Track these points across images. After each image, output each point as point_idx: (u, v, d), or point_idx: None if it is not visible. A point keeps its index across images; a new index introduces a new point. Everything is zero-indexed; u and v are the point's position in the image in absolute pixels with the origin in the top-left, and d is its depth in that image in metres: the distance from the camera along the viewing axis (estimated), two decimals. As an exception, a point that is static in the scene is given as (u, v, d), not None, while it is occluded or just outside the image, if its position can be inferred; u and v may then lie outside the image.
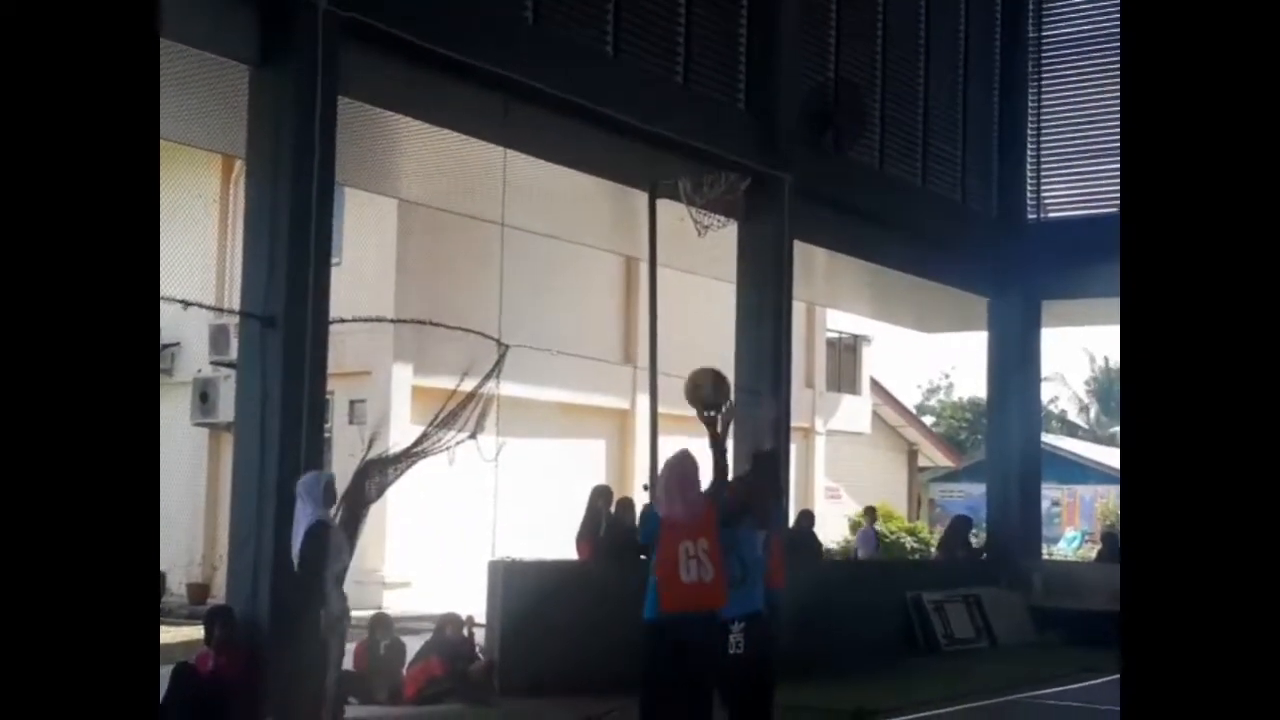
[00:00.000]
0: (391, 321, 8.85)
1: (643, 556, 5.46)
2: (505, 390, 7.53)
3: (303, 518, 5.39)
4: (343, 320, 6.61)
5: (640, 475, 11.32)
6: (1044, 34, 14.50)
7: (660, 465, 5.28)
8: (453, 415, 6.79)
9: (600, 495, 8.11)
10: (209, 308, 7.03)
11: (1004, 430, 13.57)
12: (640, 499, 8.44)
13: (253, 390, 6.06)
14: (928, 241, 11.87)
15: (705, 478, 4.57)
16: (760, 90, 9.46)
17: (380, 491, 6.47)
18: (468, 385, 6.82)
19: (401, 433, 11.87)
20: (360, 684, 6.62)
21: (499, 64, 7.09)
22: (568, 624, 7.16)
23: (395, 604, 10.23)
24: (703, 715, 4.48)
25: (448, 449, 6.80)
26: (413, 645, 7.08)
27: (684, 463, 4.66)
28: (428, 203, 10.55)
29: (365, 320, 7.78)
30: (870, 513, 15.38)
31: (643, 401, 12.18)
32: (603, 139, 8.13)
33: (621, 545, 7.68)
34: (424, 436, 6.64)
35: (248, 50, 6.23)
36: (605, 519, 7.81)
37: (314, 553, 5.28)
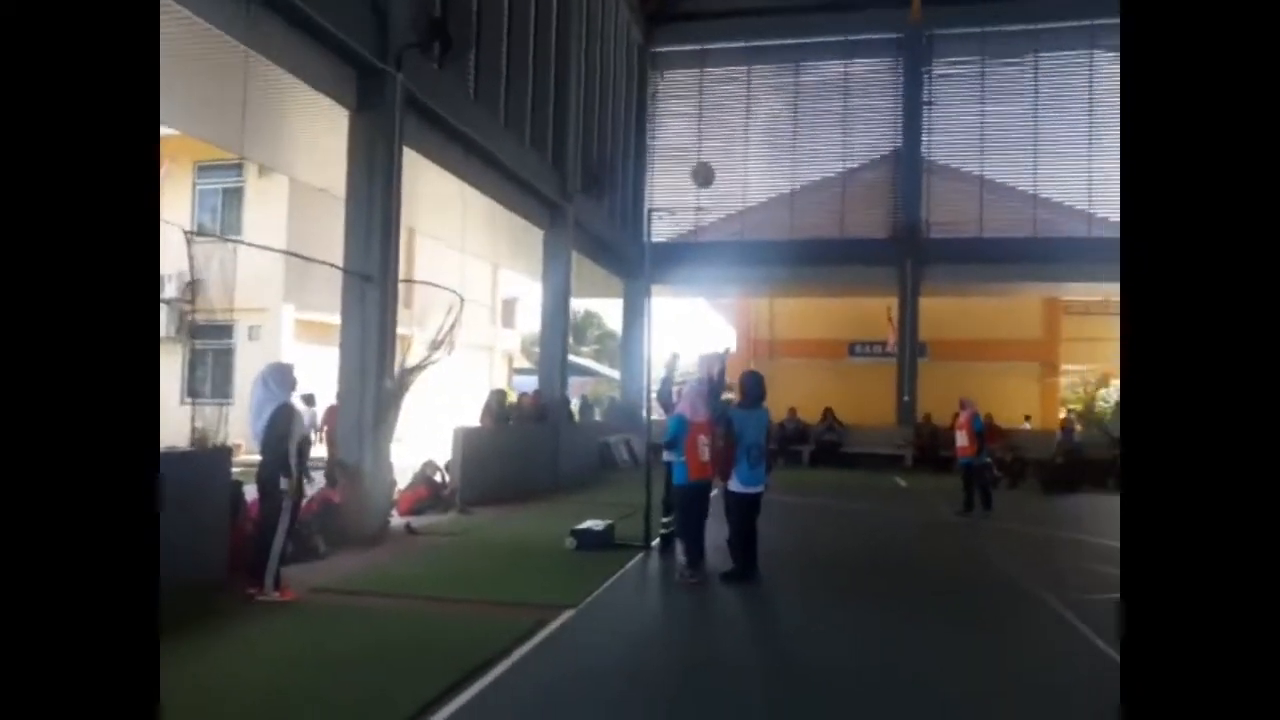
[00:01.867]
0: (408, 281, 11.72)
1: (665, 449, 7.17)
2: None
3: (269, 400, 6.23)
4: (409, 281, 10.36)
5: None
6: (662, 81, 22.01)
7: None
8: (436, 344, 10.87)
9: (493, 392, 12.83)
10: (335, 266, 9.14)
11: (628, 347, 21.43)
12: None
13: (355, 320, 9.35)
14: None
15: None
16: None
17: (409, 386, 10.35)
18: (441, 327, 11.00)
19: (289, 351, 14.80)
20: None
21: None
22: (493, 463, 11.71)
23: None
24: (701, 525, 6.96)
25: (435, 363, 10.85)
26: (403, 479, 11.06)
27: (700, 386, 7.18)
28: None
29: (410, 281, 10.93)
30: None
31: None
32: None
33: (500, 418, 12.66)
34: (426, 358, 10.60)
35: (348, 99, 8.95)
36: (495, 405, 12.66)
37: (284, 426, 6.19)
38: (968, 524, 11.05)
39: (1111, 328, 27.52)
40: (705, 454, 7.07)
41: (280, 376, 6.44)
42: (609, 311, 45.71)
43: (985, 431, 12.28)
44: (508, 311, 24.68)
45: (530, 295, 25.37)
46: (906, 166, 20.51)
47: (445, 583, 6.72)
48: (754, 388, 7.33)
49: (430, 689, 4.16)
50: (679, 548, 7.30)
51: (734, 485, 7.08)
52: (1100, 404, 26.63)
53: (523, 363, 33.75)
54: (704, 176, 8.33)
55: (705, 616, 6.22)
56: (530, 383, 24.11)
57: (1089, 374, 29.26)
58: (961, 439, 11.95)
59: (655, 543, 8.33)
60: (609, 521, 8.64)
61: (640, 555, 8.02)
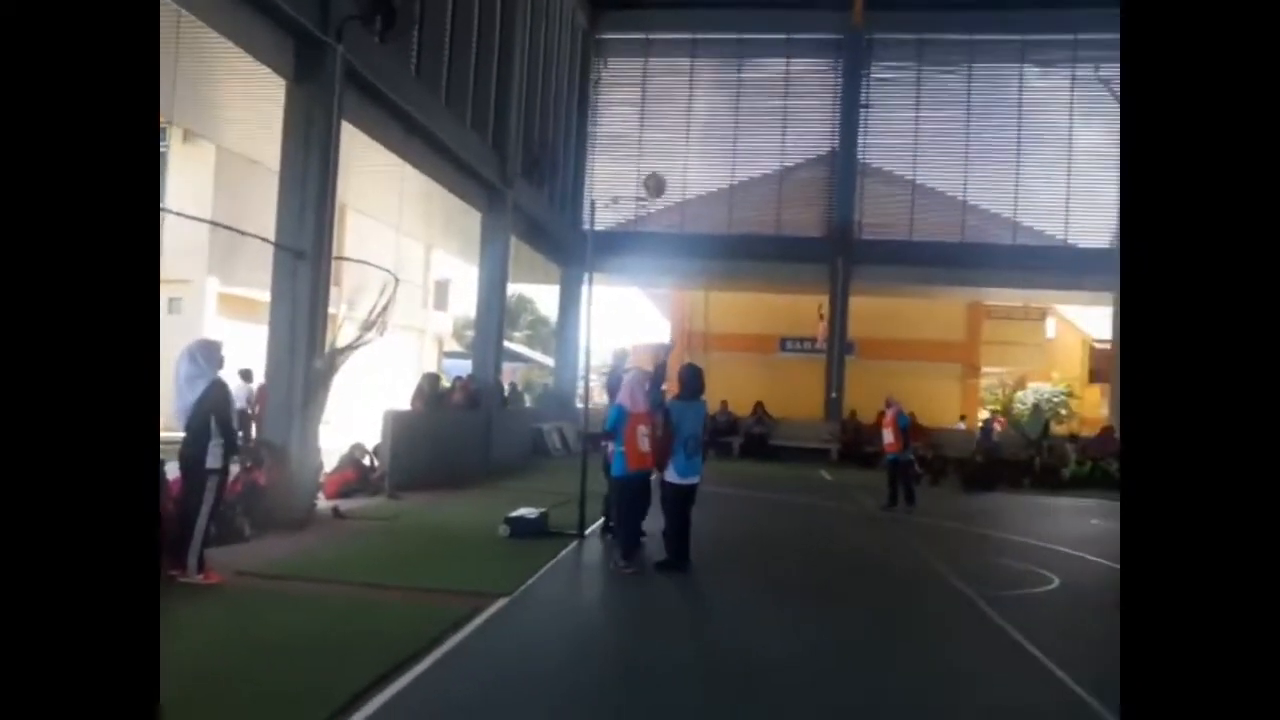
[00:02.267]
0: (343, 259, 11.31)
1: (605, 439, 7.47)
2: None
3: (198, 375, 6.03)
4: (345, 259, 10.09)
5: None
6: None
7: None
8: (369, 324, 10.63)
9: (425, 375, 12.60)
10: (267, 241, 8.87)
11: (564, 334, 21.36)
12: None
13: (286, 297, 9.00)
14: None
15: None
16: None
17: (339, 367, 10.10)
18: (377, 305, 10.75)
19: (211, 326, 14.26)
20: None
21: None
22: (424, 447, 11.57)
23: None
24: (643, 516, 7.09)
25: (366, 344, 10.61)
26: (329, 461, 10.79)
27: (639, 376, 7.33)
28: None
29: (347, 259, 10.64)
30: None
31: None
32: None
33: (433, 402, 12.47)
34: (358, 338, 10.35)
35: (286, 69, 8.66)
36: (427, 388, 12.45)
37: (214, 404, 6.05)
38: (891, 518, 11.38)
39: (1030, 332, 28.59)
40: (645, 444, 7.13)
41: (209, 352, 6.28)
42: (542, 297, 45.47)
43: (909, 429, 12.64)
44: (440, 293, 24.27)
45: (463, 277, 24.94)
46: (842, 167, 20.90)
47: (375, 569, 6.60)
48: (692, 380, 7.39)
49: (364, 676, 4.09)
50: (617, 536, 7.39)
51: (670, 476, 7.14)
52: (1018, 406, 27.66)
53: (453, 346, 33.38)
54: (656, 187, 8.40)
55: (640, 606, 6.26)
56: (461, 366, 23.73)
57: (1007, 376, 30.36)
58: (888, 436, 12.28)
59: (596, 527, 8.36)
60: (543, 509, 8.61)
61: (574, 544, 8.02)
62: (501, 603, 5.77)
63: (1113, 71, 20.16)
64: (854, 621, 5.92)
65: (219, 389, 6.15)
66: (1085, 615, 6.38)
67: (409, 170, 12.17)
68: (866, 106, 20.96)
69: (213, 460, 6.05)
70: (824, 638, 5.50)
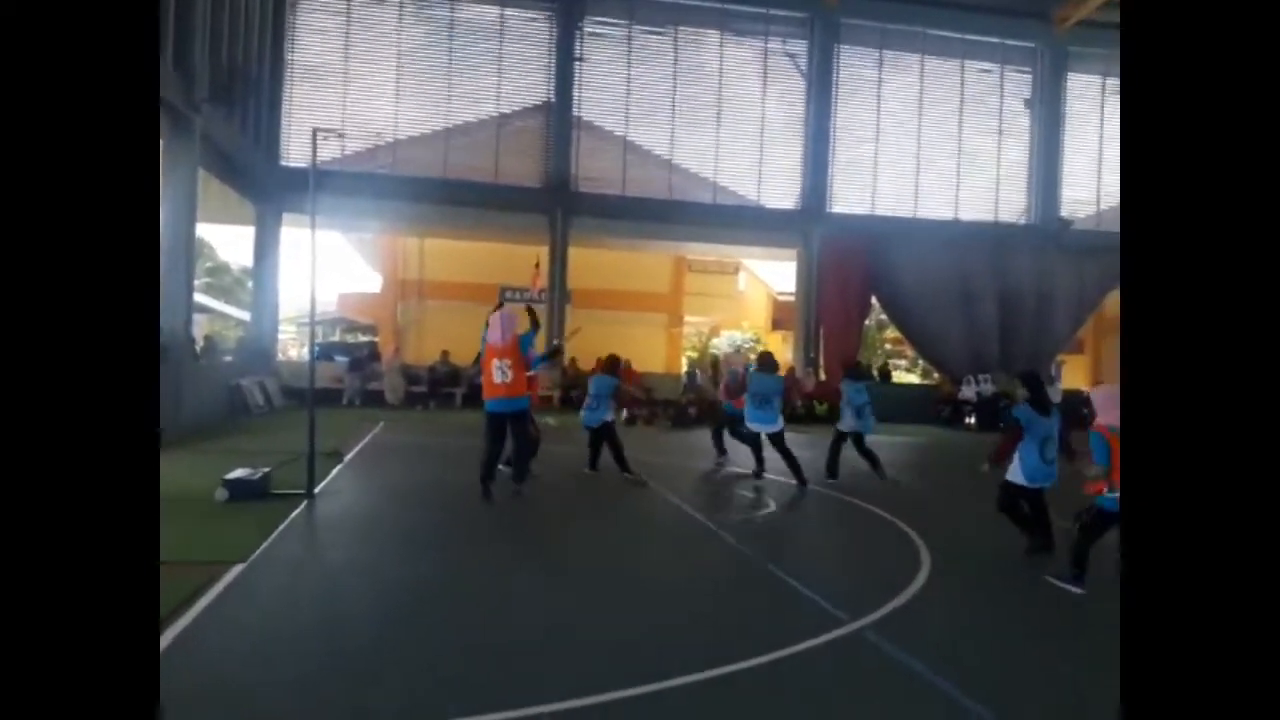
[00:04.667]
0: None
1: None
2: None
3: None
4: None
5: None
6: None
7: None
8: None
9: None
10: None
11: (261, 280, 19.36)
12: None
13: None
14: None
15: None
16: None
17: None
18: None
19: None
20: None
21: None
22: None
23: None
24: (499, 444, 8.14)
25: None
26: None
27: (508, 314, 8.24)
28: None
29: None
30: None
31: None
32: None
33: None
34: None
35: None
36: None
37: None
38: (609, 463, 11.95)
39: (724, 285, 31.15)
40: (496, 377, 7.96)
41: None
42: (223, 241, 41.24)
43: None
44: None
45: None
46: (558, 119, 21.11)
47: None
48: (766, 362, 10.21)
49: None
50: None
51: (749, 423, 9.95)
52: (713, 352, 30.19)
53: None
54: (1062, 228, 10.04)
55: (386, 559, 6.08)
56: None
57: (704, 326, 32.95)
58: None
59: (324, 486, 7.90)
60: (265, 469, 7.98)
61: (304, 504, 7.53)
62: (238, 569, 5.33)
63: (799, 48, 22.33)
64: (602, 543, 6.23)
65: None
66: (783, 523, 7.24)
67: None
68: (580, 60, 21.28)
69: None
70: (570, 557, 5.73)
